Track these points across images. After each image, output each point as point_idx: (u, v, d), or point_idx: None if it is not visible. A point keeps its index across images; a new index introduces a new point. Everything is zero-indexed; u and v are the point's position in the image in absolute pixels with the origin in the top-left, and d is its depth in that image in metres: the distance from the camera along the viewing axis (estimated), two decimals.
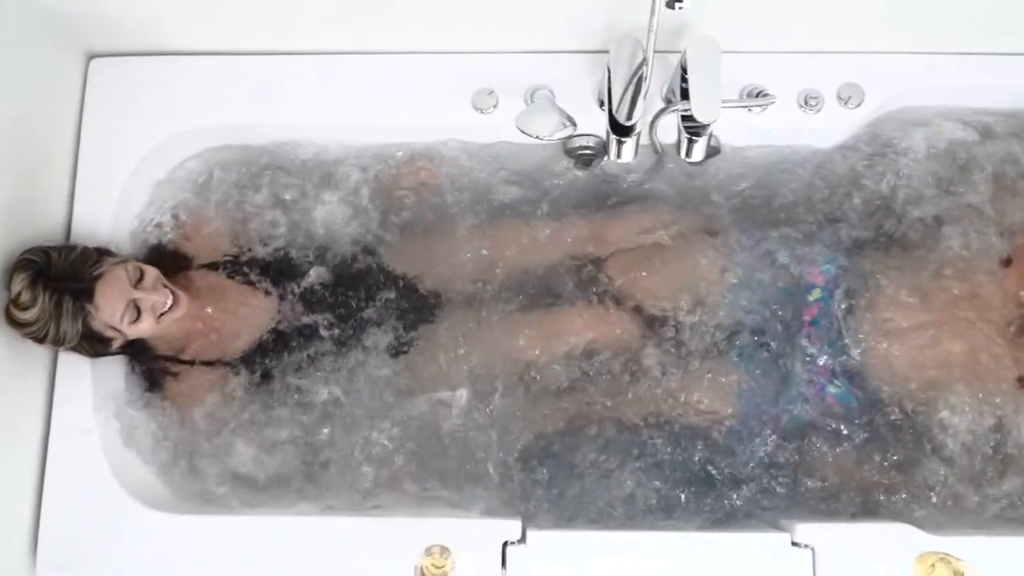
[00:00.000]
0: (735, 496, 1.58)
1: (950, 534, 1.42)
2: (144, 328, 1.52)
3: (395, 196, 1.75)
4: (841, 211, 1.68)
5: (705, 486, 1.59)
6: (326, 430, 1.63)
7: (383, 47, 1.67)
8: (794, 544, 1.43)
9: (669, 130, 1.60)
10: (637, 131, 1.47)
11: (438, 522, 1.46)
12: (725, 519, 1.57)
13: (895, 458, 1.58)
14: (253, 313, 1.67)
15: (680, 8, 1.31)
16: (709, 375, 1.63)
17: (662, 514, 1.58)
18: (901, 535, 1.42)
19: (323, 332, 1.67)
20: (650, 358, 1.65)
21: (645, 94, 1.44)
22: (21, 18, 1.52)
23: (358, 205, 1.72)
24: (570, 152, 1.71)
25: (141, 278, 1.51)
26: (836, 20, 1.60)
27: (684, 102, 1.44)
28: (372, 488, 1.59)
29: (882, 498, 1.56)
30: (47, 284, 1.43)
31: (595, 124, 1.61)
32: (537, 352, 1.66)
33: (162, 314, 1.53)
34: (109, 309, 1.46)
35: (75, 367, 1.58)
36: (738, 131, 1.68)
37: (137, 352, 1.62)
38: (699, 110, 1.40)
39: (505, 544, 1.43)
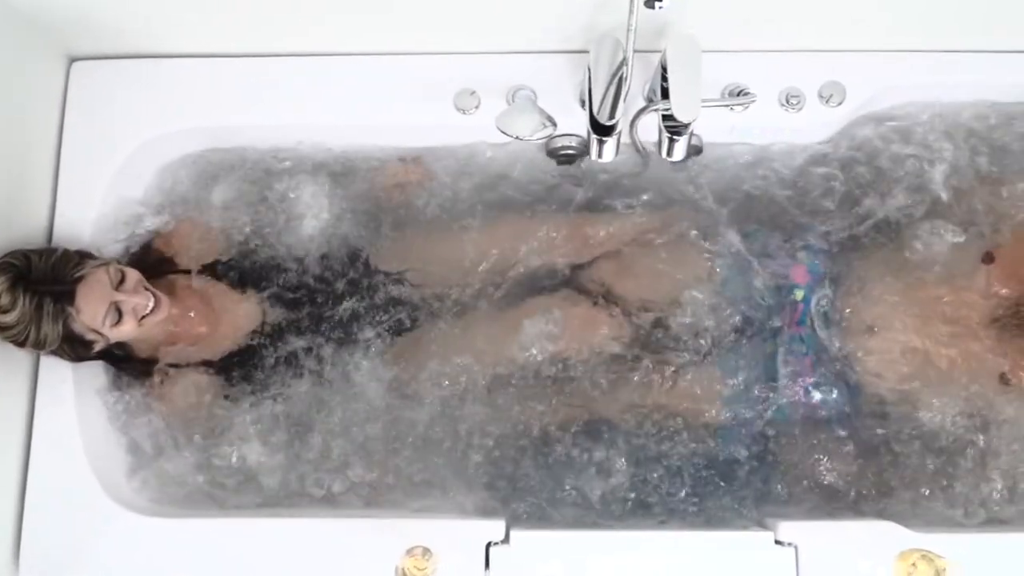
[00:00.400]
0: (719, 495, 1.58)
1: (932, 531, 1.42)
2: (126, 331, 1.51)
3: (379, 197, 1.75)
4: (823, 210, 1.69)
5: (689, 485, 1.59)
6: (308, 431, 1.63)
7: (364, 49, 1.67)
8: (777, 542, 1.43)
9: (652, 130, 1.60)
10: (618, 131, 1.47)
11: (420, 523, 1.46)
12: (709, 518, 1.57)
13: (878, 456, 1.58)
14: (236, 316, 1.67)
15: (660, 7, 1.31)
16: (693, 375, 1.63)
17: (646, 513, 1.58)
18: (884, 532, 1.43)
19: (306, 334, 1.66)
20: (635, 359, 1.65)
21: (626, 94, 1.44)
22: (1, 21, 1.51)
23: (342, 207, 1.72)
24: (552, 152, 1.71)
25: (122, 280, 1.51)
26: (818, 19, 1.60)
27: (664, 101, 1.44)
28: (353, 488, 1.58)
29: (865, 495, 1.57)
30: (27, 287, 1.43)
31: (578, 124, 1.61)
32: (522, 353, 1.66)
33: (144, 317, 1.52)
34: (90, 311, 1.46)
35: (57, 371, 1.57)
36: (720, 130, 1.68)
37: (119, 355, 1.61)
38: (679, 109, 1.40)
39: (489, 545, 1.43)
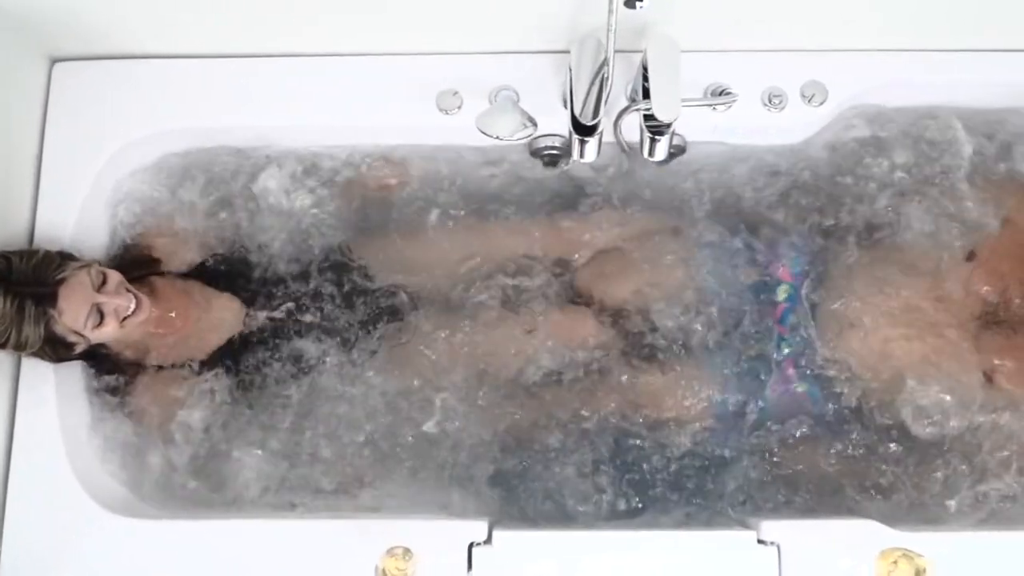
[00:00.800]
0: (702, 495, 1.58)
1: (914, 530, 1.42)
2: (107, 332, 1.51)
3: (363, 198, 1.74)
4: (806, 208, 1.69)
5: (672, 485, 1.59)
6: (292, 432, 1.63)
7: (347, 50, 1.67)
8: (760, 541, 1.42)
9: (635, 129, 1.60)
10: (600, 131, 1.47)
11: (401, 523, 1.44)
12: (691, 518, 1.57)
13: (861, 454, 1.58)
14: (219, 317, 1.66)
15: (640, 7, 1.31)
16: (676, 376, 1.63)
17: (629, 513, 1.58)
18: (866, 531, 1.42)
19: (290, 335, 1.66)
20: (619, 359, 1.65)
21: (608, 95, 1.45)
22: None
23: (325, 208, 1.72)
24: (536, 152, 1.71)
25: (104, 282, 1.50)
26: (799, 18, 1.60)
27: (646, 101, 1.44)
28: (336, 489, 1.58)
29: (848, 494, 1.57)
30: (8, 289, 1.42)
31: (561, 124, 1.60)
32: (507, 355, 1.66)
33: (125, 318, 1.52)
34: (72, 313, 1.46)
35: (38, 372, 1.56)
36: (702, 130, 1.68)
37: (101, 357, 1.60)
38: (659, 109, 1.41)
39: (471, 545, 1.42)
